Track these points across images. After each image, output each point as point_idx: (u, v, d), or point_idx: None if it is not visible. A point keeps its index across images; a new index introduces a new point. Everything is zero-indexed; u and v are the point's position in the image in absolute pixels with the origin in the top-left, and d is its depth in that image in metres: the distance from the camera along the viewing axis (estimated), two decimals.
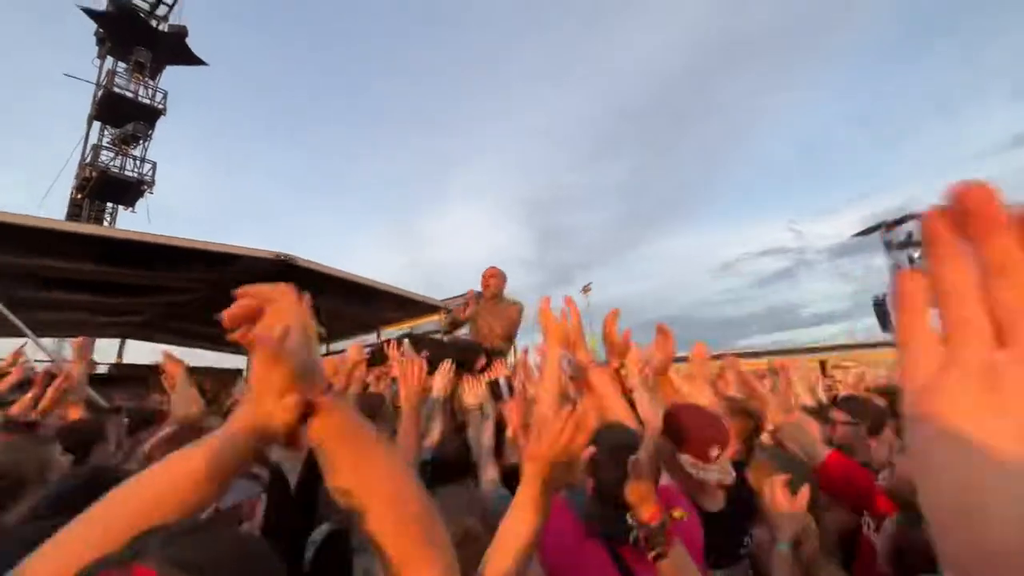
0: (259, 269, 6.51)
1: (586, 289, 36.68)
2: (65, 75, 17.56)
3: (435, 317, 9.30)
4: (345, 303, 7.53)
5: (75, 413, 2.26)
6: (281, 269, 6.28)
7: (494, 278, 3.59)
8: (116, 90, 17.78)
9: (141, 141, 18.42)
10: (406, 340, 2.33)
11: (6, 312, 4.35)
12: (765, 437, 2.02)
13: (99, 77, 18.22)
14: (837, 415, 2.30)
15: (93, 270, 6.21)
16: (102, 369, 9.78)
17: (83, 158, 17.87)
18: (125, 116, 18.02)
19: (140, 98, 18.33)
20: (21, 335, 4.64)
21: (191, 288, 7.50)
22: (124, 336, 11.78)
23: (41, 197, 26.20)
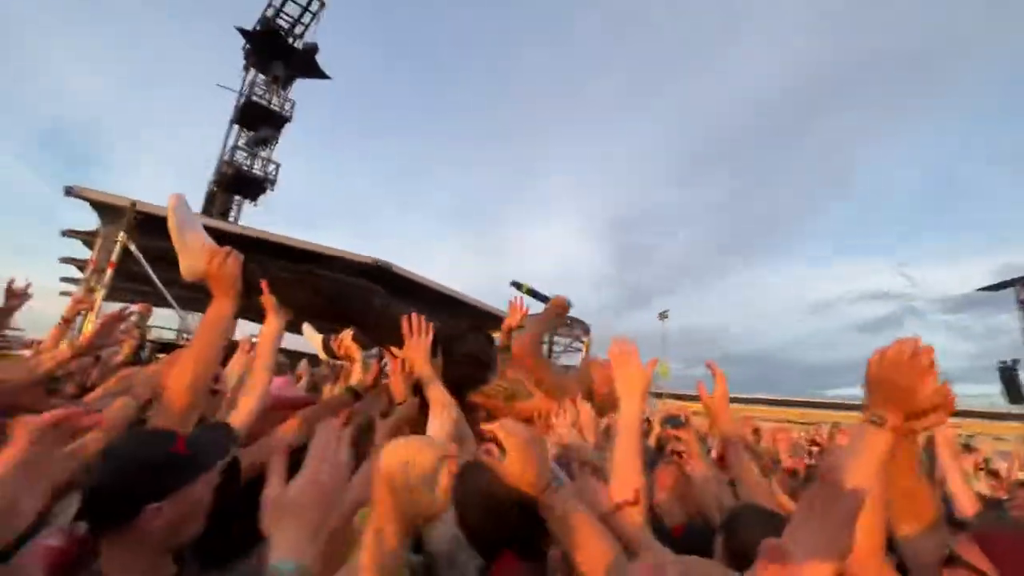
0: (358, 271, 7.22)
1: (663, 316, 35.67)
2: (218, 85, 20.38)
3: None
4: (431, 310, 8.05)
5: None
6: (377, 273, 6.92)
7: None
8: (255, 99, 20.29)
9: (269, 144, 20.82)
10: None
11: (163, 289, 5.24)
12: None
13: (242, 87, 20.92)
14: None
15: None
16: None
17: (222, 156, 20.55)
18: (259, 121, 20.49)
19: (272, 106, 20.75)
20: (168, 306, 5.58)
21: None
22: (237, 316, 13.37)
23: (185, 190, 30.27)
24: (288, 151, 21.95)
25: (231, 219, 19.50)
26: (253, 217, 21.47)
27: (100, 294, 4.87)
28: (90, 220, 6.66)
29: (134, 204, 5.06)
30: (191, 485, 0.87)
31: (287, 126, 21.18)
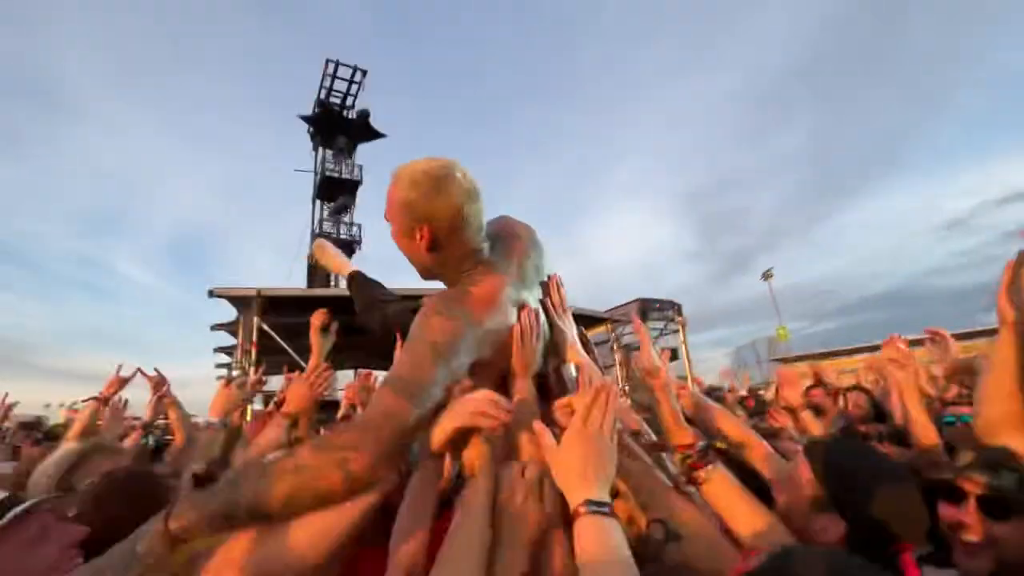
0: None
1: (767, 275, 33.05)
2: (296, 170, 23.02)
3: (601, 329, 9.75)
4: None
5: None
6: None
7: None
8: (328, 173, 22.56)
9: (349, 209, 22.96)
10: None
11: (295, 356, 6.17)
12: None
13: (315, 165, 23.36)
14: None
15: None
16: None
17: (312, 230, 23.01)
18: (336, 192, 22.74)
19: (343, 175, 22.92)
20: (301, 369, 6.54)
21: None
22: (356, 366, 14.90)
23: (288, 269, 34.06)
24: (368, 210, 23.94)
25: (332, 284, 21.74)
26: None
27: (252, 369, 5.88)
28: (228, 312, 8.01)
29: (259, 292, 6.08)
30: None
31: (360, 189, 23.27)
